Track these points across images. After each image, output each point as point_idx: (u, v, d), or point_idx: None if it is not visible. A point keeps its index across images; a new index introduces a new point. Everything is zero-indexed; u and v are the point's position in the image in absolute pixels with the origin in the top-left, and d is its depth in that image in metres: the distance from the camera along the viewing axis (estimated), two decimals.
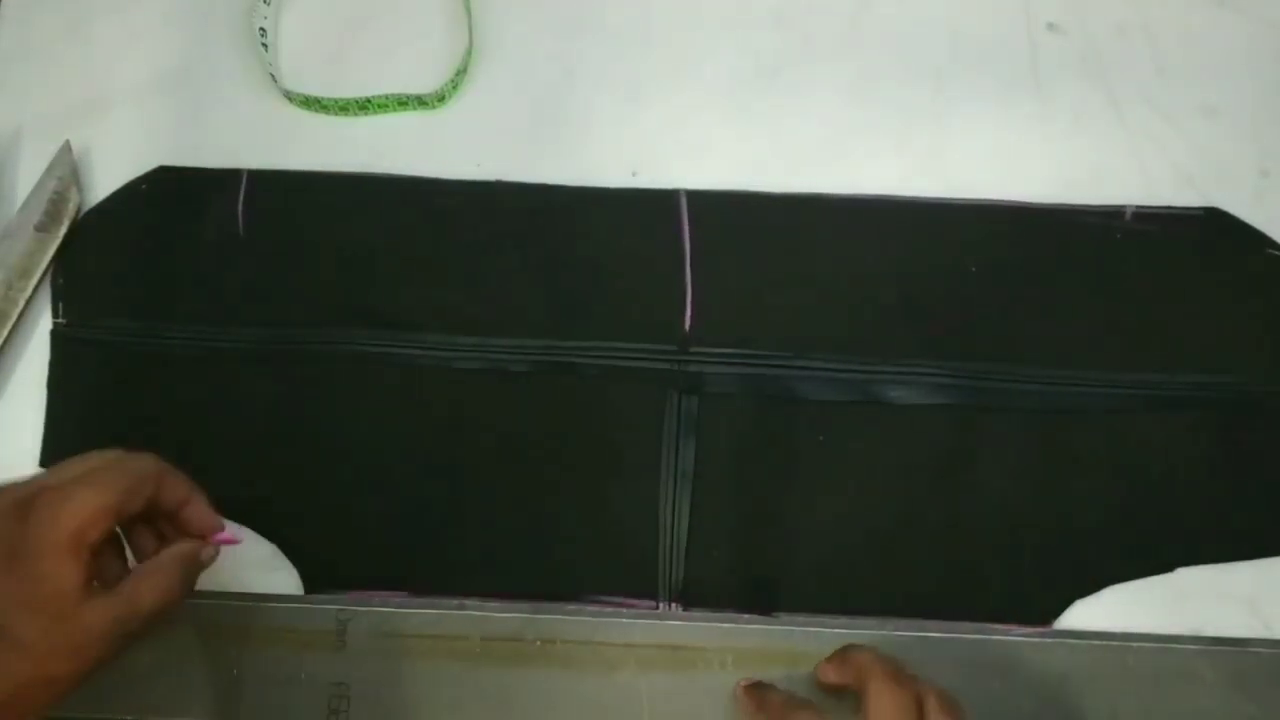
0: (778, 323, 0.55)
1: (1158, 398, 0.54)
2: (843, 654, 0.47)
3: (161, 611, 0.43)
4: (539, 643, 0.51)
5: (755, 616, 0.52)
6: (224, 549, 0.48)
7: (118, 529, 0.44)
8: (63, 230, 0.55)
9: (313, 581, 0.52)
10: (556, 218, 0.56)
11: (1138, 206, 0.56)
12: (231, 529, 0.48)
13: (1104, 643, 0.51)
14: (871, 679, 0.43)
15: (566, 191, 0.57)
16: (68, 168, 0.56)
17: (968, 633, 0.51)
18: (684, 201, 0.56)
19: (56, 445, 0.54)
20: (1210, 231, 0.56)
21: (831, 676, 0.47)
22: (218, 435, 0.54)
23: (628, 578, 0.53)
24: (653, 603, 0.52)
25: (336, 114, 0.58)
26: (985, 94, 0.58)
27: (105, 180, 0.57)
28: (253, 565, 0.53)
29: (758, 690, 0.49)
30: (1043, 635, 0.51)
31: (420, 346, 0.55)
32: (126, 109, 0.58)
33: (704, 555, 0.53)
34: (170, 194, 0.57)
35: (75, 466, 0.43)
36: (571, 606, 0.52)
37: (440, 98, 0.57)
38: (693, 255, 0.56)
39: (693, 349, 0.55)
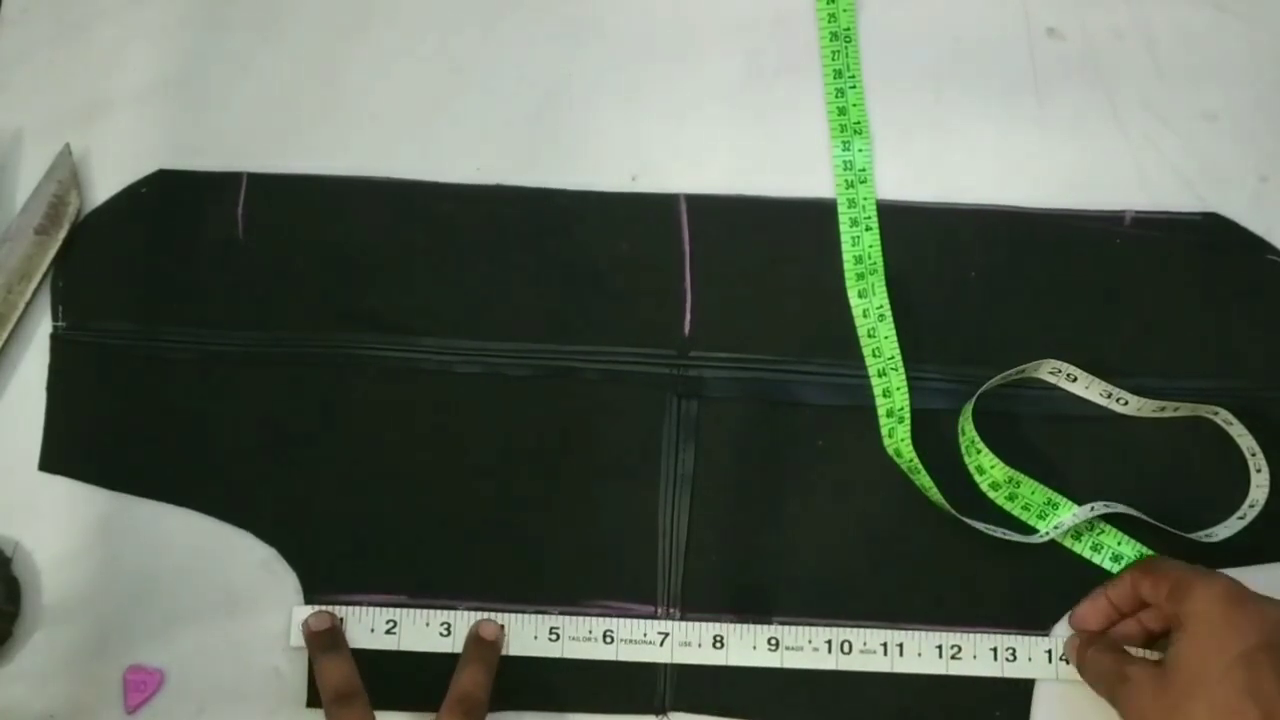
0: (777, 327, 0.55)
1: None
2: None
3: None
4: None
5: None
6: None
7: None
8: (62, 233, 0.55)
9: (312, 585, 0.52)
10: (556, 222, 0.56)
11: (1137, 211, 0.56)
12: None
13: None
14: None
15: (566, 195, 0.57)
16: (68, 171, 0.56)
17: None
18: (684, 206, 0.56)
19: (56, 449, 0.54)
20: (1209, 236, 0.56)
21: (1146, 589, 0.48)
22: (217, 439, 0.54)
23: (627, 582, 0.52)
24: (651, 607, 0.52)
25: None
26: (985, 99, 0.58)
27: (105, 183, 0.57)
28: (251, 569, 0.53)
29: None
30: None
31: (420, 350, 0.55)
32: (126, 112, 0.58)
33: (703, 560, 0.53)
34: (170, 197, 0.57)
35: None
36: None
37: None
38: (692, 259, 0.55)
39: (692, 353, 0.55)
